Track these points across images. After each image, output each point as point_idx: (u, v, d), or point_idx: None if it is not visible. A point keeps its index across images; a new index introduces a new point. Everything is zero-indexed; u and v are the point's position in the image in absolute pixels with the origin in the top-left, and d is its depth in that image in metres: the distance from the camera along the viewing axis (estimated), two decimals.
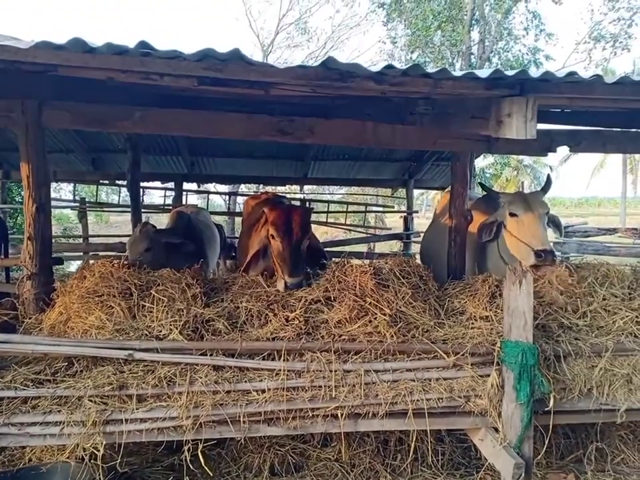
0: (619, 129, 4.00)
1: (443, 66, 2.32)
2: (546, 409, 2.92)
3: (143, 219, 6.69)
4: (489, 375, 2.88)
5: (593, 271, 3.52)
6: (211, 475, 2.84)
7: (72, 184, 10.73)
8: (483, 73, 2.24)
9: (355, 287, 3.11)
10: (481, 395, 2.87)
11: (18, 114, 3.21)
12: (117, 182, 9.30)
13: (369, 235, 11.24)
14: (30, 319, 3.17)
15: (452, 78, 2.26)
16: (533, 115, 2.27)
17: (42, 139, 3.40)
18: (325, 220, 11.53)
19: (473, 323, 3.10)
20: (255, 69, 2.21)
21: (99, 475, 2.64)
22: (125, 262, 3.30)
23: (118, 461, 2.71)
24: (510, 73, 2.21)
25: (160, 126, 3.36)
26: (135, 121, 3.26)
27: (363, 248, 10.74)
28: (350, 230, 12.51)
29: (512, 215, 3.91)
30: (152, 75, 2.56)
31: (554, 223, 4.26)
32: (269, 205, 3.82)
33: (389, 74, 2.24)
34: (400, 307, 3.06)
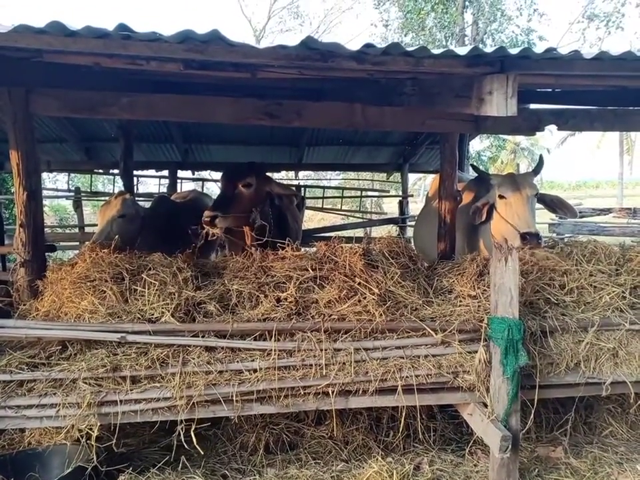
0: (607, 108, 4.01)
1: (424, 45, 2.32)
2: (533, 384, 2.99)
3: None
4: (476, 351, 2.94)
5: (581, 247, 3.55)
6: (202, 453, 2.89)
7: (67, 175, 10.71)
8: (463, 50, 2.25)
9: (345, 267, 3.15)
10: (468, 371, 2.93)
11: (5, 102, 3.21)
12: (111, 171, 9.28)
13: (364, 220, 11.24)
14: (24, 305, 3.21)
15: (432, 56, 2.27)
16: (513, 92, 2.29)
17: (31, 126, 3.40)
18: (321, 206, 11.55)
19: (460, 301, 3.15)
20: (236, 49, 2.22)
21: (94, 455, 2.70)
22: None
23: (114, 442, 2.76)
24: (489, 50, 2.22)
25: (147, 111, 3.37)
26: (123, 106, 3.26)
27: (359, 233, 10.76)
28: (347, 215, 12.51)
29: (500, 197, 3.96)
30: (138, 60, 2.57)
31: (560, 204, 4.21)
32: None
33: (369, 53, 2.25)
34: (389, 287, 3.10)
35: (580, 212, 10.77)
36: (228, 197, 4.00)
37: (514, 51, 2.24)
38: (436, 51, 2.26)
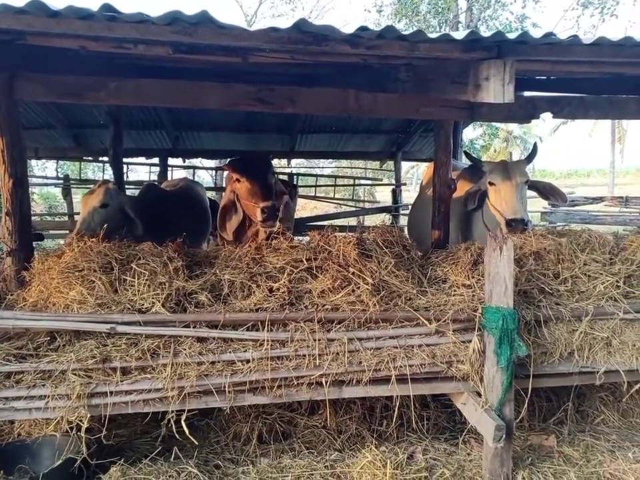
0: (602, 96, 3.97)
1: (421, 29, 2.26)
2: (526, 373, 2.98)
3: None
4: (470, 341, 2.91)
5: (575, 237, 3.53)
6: (194, 443, 2.87)
7: (56, 162, 10.55)
8: (459, 34, 2.19)
9: (339, 257, 3.11)
10: (462, 360, 2.91)
11: None
12: (101, 158, 9.15)
13: (358, 209, 11.22)
14: (11, 295, 3.15)
15: (428, 40, 2.21)
16: (510, 78, 2.24)
17: (16, 112, 3.32)
18: (314, 194, 11.50)
19: (455, 290, 3.12)
20: (226, 32, 2.14)
21: (85, 446, 2.67)
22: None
23: (104, 433, 2.73)
24: (486, 34, 2.17)
25: (136, 96, 3.28)
26: (110, 91, 3.18)
27: (353, 222, 10.74)
28: (340, 204, 12.49)
29: (490, 184, 3.95)
30: (124, 44, 2.48)
31: (551, 191, 4.27)
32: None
33: (363, 36, 2.19)
34: (383, 276, 3.07)
35: (572, 200, 10.82)
36: (269, 187, 3.83)
37: (512, 36, 2.19)
38: (432, 35, 2.20)
